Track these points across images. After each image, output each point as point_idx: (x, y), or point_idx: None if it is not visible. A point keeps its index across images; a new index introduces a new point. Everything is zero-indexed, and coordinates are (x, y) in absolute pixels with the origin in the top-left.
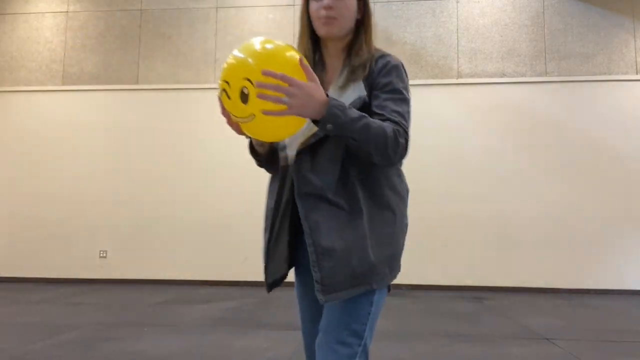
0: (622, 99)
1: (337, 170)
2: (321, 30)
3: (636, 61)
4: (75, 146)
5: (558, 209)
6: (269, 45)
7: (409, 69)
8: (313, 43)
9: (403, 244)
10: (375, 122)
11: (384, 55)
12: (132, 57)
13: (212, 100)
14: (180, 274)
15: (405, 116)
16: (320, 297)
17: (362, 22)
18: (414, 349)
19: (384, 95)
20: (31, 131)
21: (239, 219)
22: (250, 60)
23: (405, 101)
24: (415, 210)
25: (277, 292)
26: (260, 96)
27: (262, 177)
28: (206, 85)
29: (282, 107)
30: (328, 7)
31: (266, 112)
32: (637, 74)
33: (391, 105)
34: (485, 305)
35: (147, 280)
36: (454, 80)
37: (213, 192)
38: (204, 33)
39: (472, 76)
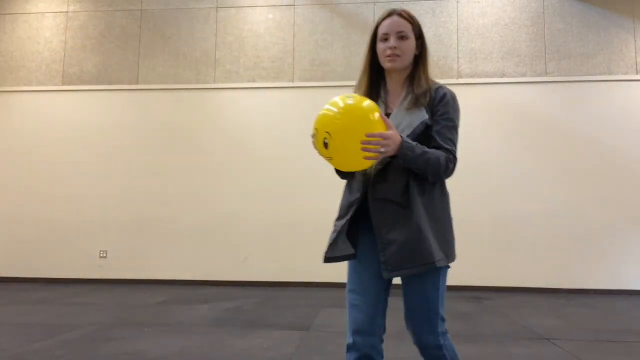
0: (622, 99)
1: (403, 181)
2: (387, 64)
3: (636, 61)
4: (75, 146)
5: (558, 208)
6: (349, 101)
7: None
8: (377, 73)
9: (453, 233)
10: (433, 154)
11: (441, 87)
12: (132, 57)
13: (212, 101)
14: (180, 274)
15: (455, 142)
16: (385, 274)
17: (420, 57)
18: (414, 349)
19: (442, 122)
20: (31, 131)
21: (238, 219)
22: (337, 117)
23: (456, 128)
24: None
25: (277, 292)
26: (365, 149)
27: (262, 178)
28: (206, 85)
29: (378, 154)
30: (393, 47)
31: (367, 158)
32: (637, 74)
33: (446, 132)
34: (485, 305)
35: (147, 280)
36: (454, 80)
37: (213, 192)
38: (204, 33)
39: (472, 76)
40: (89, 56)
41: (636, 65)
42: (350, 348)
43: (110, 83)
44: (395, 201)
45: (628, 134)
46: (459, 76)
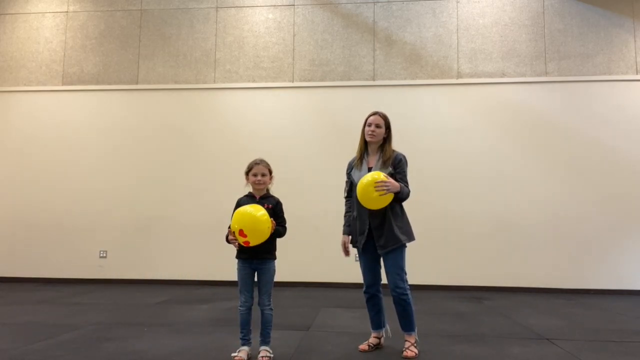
0: (622, 99)
1: (384, 209)
2: (368, 139)
3: (636, 61)
4: (75, 146)
5: (558, 208)
6: (376, 176)
7: (409, 69)
8: (365, 144)
9: (410, 226)
10: (405, 189)
11: (398, 154)
12: (132, 57)
13: (212, 101)
14: (180, 274)
15: (407, 181)
16: (379, 251)
17: (387, 137)
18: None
19: (400, 174)
20: (31, 131)
21: None
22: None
23: (406, 174)
24: (415, 209)
25: (277, 292)
26: (377, 189)
27: None
28: (206, 85)
29: (384, 192)
30: (371, 131)
31: (380, 195)
32: (637, 74)
33: (404, 178)
34: (485, 305)
35: (147, 280)
36: (454, 80)
37: (213, 192)
38: (204, 33)
39: (472, 76)
40: (89, 56)
41: (636, 65)
42: (365, 293)
43: (110, 83)
44: (381, 212)
45: (627, 133)
46: (459, 76)
